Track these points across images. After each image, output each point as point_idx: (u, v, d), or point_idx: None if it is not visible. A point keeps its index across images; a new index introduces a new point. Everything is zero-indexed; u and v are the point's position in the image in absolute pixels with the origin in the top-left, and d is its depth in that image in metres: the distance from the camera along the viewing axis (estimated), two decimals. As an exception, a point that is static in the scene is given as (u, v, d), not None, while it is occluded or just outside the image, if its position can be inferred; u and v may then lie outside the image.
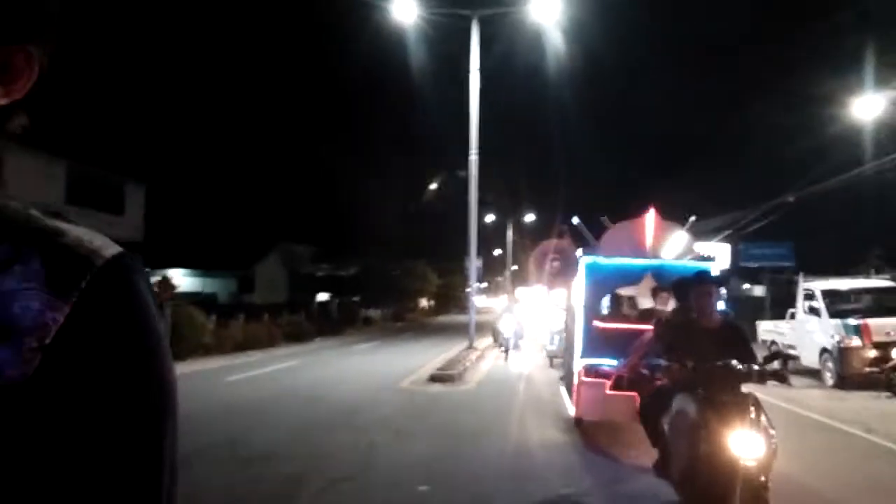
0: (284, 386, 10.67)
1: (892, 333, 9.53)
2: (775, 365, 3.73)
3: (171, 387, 0.55)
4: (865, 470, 5.38)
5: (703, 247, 9.96)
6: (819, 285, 10.96)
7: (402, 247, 46.02)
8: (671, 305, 5.65)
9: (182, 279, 39.39)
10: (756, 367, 3.60)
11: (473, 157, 13.88)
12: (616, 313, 7.12)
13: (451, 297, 52.65)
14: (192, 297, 33.05)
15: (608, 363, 6.46)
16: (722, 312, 4.30)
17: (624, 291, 7.18)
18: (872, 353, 9.56)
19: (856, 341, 9.65)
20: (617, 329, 6.56)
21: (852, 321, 9.88)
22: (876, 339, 9.62)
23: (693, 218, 7.18)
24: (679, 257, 6.73)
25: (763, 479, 3.28)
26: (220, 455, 5.69)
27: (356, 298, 40.69)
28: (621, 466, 5.40)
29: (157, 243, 27.55)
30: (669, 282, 5.38)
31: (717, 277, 4.71)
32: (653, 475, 4.28)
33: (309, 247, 47.21)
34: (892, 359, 9.22)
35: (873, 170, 13.24)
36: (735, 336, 3.90)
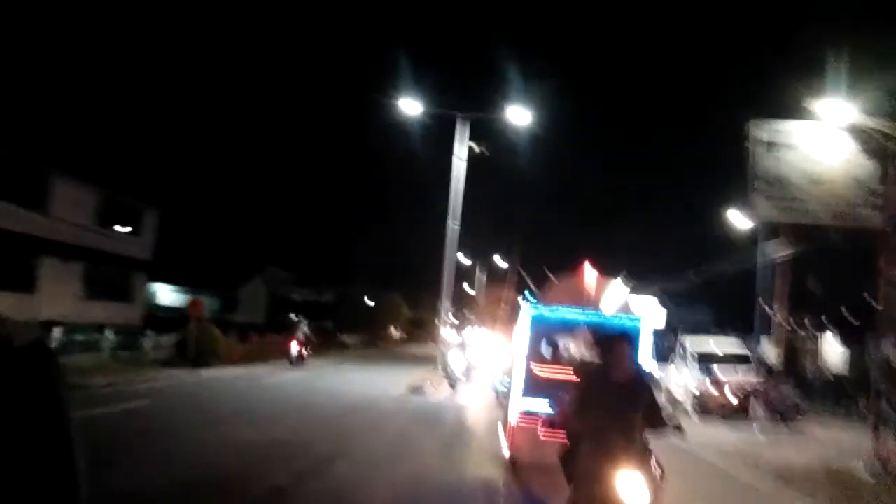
0: (308, 388, 14.84)
1: (736, 384, 14.04)
2: (674, 419, 4.27)
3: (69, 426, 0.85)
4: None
5: (642, 302, 10.46)
6: (691, 343, 15.50)
7: (378, 278, 50.03)
8: None
9: (169, 294, 42.93)
10: (656, 417, 4.14)
11: (454, 226, 18.27)
12: (554, 361, 7.68)
13: (423, 329, 56.76)
14: (177, 311, 36.77)
15: (543, 406, 6.89)
16: (635, 368, 4.66)
17: (562, 341, 7.76)
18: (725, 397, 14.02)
19: (709, 387, 14.14)
20: (553, 377, 7.16)
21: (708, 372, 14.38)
22: (726, 386, 14.11)
23: (624, 273, 7.89)
24: (616, 311, 7.36)
25: None
26: (295, 424, 9.81)
27: (327, 324, 44.37)
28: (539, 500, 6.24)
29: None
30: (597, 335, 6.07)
31: (631, 335, 5.06)
32: None
33: (290, 273, 51.03)
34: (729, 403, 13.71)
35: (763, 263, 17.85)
36: (642, 390, 4.32)
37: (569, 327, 7.44)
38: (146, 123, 36.10)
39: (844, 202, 9.61)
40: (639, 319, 7.31)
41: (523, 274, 10.00)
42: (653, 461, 3.97)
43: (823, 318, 19.84)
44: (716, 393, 14.01)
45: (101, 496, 3.44)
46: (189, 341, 18.38)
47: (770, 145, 9.72)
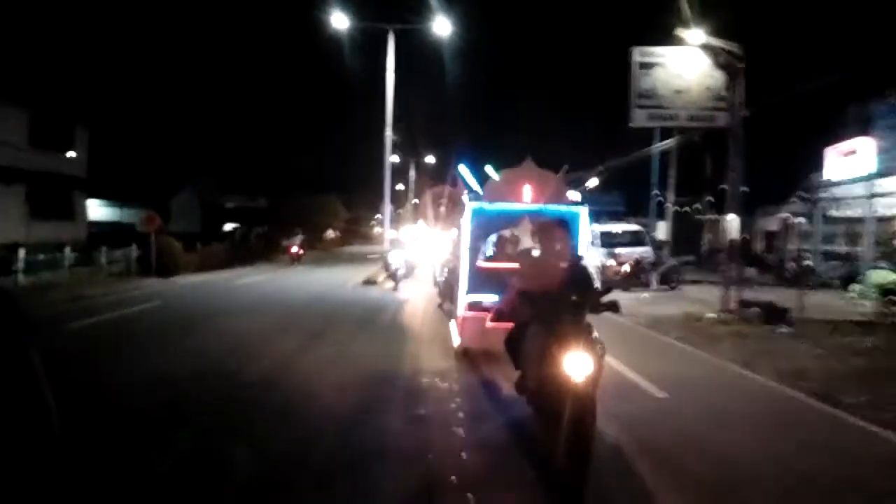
0: (275, 288, 17.29)
1: (628, 257, 17.45)
2: (609, 297, 4.49)
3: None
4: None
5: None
6: (597, 227, 18.78)
7: (313, 181, 51.50)
8: None
9: (99, 209, 43.33)
10: (594, 301, 4.38)
11: (388, 133, 20.34)
12: (498, 253, 8.20)
13: (358, 229, 59.25)
14: (112, 226, 37.71)
15: (489, 298, 7.43)
16: (573, 254, 4.96)
17: (506, 233, 8.27)
18: (620, 269, 17.44)
19: (610, 261, 17.50)
20: (497, 268, 7.50)
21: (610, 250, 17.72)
22: (622, 260, 17.52)
23: (566, 167, 8.30)
24: (553, 202, 7.58)
25: (590, 391, 3.93)
26: (274, 312, 12.35)
27: (261, 229, 46.04)
28: (490, 384, 6.69)
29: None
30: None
31: (569, 223, 5.26)
32: (514, 392, 4.97)
33: (220, 180, 51.62)
34: (624, 272, 17.15)
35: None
36: (580, 274, 4.58)
37: (510, 219, 7.87)
38: (69, 40, 35.14)
39: (699, 107, 12.49)
40: (576, 211, 7.58)
41: (461, 170, 9.34)
42: (594, 340, 4.16)
43: (710, 198, 23.39)
44: (614, 265, 17.39)
45: (176, 371, 6.18)
46: (151, 253, 20.26)
47: (644, 66, 12.36)
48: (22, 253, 19.32)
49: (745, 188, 16.49)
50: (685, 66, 12.44)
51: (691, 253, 22.33)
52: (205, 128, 52.57)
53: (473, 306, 7.77)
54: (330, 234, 51.53)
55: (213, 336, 9.55)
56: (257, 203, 53.53)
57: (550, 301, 4.28)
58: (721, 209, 19.64)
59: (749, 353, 8.81)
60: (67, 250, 22.28)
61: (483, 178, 8.31)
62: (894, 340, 9.91)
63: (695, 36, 12.00)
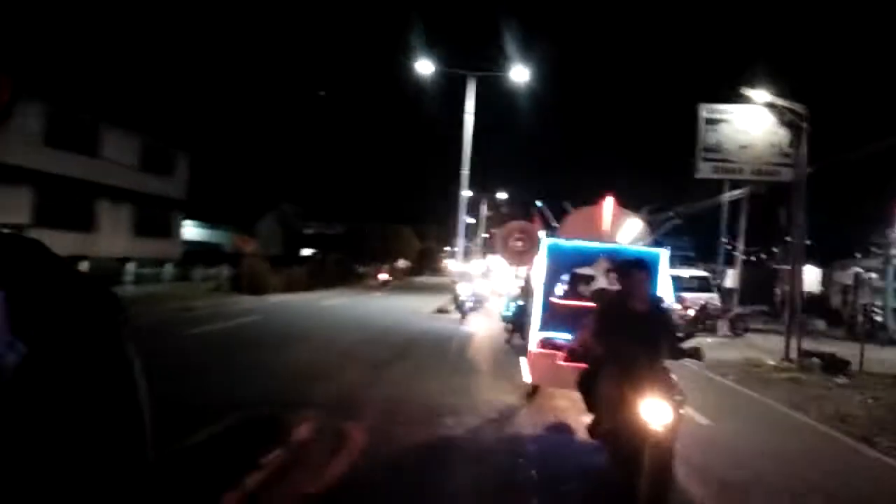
0: (357, 312, 18.82)
1: (693, 302, 17.97)
2: (690, 344, 4.49)
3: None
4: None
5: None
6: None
7: (387, 212, 53.73)
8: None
9: (191, 229, 46.74)
10: (673, 347, 4.37)
11: (465, 172, 21.78)
12: (572, 291, 7.85)
13: (428, 260, 61.00)
14: (202, 245, 40.63)
15: (562, 336, 7.19)
16: (653, 297, 4.86)
17: (581, 271, 7.88)
18: (685, 313, 17.98)
19: (675, 306, 18.07)
20: (571, 306, 7.30)
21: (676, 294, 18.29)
22: (687, 305, 18.06)
23: (647, 208, 8.57)
24: (633, 242, 7.50)
25: (669, 441, 3.90)
26: (358, 334, 13.72)
27: (337, 256, 48.34)
28: (562, 425, 6.58)
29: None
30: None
31: (649, 265, 5.03)
32: (587, 436, 4.89)
33: (300, 207, 54.63)
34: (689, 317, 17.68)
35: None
36: (661, 319, 4.53)
37: (587, 257, 7.63)
38: (172, 74, 38.75)
39: (763, 162, 13.22)
40: (657, 252, 7.38)
41: (540, 207, 9.78)
42: (673, 388, 4.08)
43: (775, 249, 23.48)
44: (680, 309, 17.95)
45: (281, 371, 7.59)
46: (243, 273, 22.25)
47: (711, 121, 13.24)
48: (132, 267, 21.70)
49: (809, 241, 16.81)
50: (750, 122, 13.23)
51: (765, 302, 22.50)
52: (290, 157, 55.73)
53: (545, 343, 7.57)
54: (401, 263, 53.45)
55: (307, 349, 10.96)
56: (334, 230, 56.15)
57: (627, 344, 4.20)
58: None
59: (800, 398, 9.42)
60: (169, 266, 24.67)
61: (560, 215, 8.38)
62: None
63: (760, 95, 12.82)
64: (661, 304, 4.94)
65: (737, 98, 13.20)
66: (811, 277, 25.53)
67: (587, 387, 4.90)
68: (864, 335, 15.56)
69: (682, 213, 25.24)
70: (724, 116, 13.32)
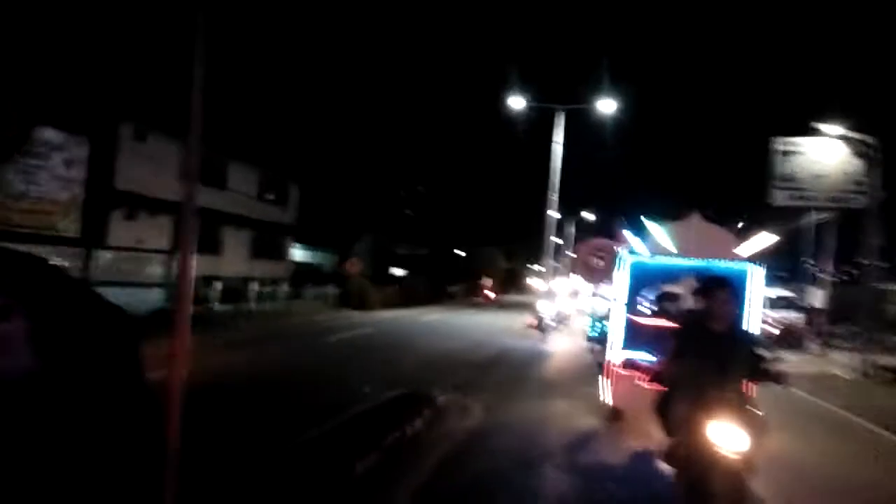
0: (457, 322, 20.94)
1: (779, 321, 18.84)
2: (771, 368, 4.28)
3: None
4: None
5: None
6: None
7: (474, 233, 55.93)
8: None
9: (296, 251, 50.66)
10: (755, 369, 4.23)
11: (554, 197, 23.58)
12: (659, 310, 7.62)
13: (517, 279, 62.74)
14: (306, 266, 44.05)
15: (645, 357, 6.96)
16: (735, 317, 4.74)
17: (668, 289, 7.76)
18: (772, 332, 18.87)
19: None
20: (655, 325, 7.05)
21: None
22: (773, 324, 18.96)
23: (741, 222, 8.76)
24: (722, 258, 7.16)
25: (743, 468, 3.77)
26: (459, 346, 15.76)
27: (424, 276, 50.80)
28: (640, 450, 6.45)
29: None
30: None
31: (733, 283, 4.74)
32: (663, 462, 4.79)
33: (393, 229, 57.80)
34: (774, 335, 18.58)
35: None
36: (741, 342, 4.39)
37: (671, 275, 7.46)
38: (286, 111, 42.73)
39: (838, 190, 14.31)
40: (745, 267, 7.10)
41: (621, 222, 9.79)
42: (753, 411, 4.00)
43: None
44: (766, 328, 18.90)
45: (409, 367, 9.84)
46: (352, 292, 24.87)
47: (784, 153, 14.51)
48: (255, 286, 24.76)
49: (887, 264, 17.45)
50: (824, 153, 14.41)
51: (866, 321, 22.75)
52: (384, 182, 59.12)
53: (627, 364, 7.38)
54: (487, 282, 55.44)
55: (422, 353, 13.19)
56: (421, 251, 58.97)
57: (703, 366, 4.15)
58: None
59: (858, 403, 10.60)
60: (285, 285, 27.72)
61: (644, 232, 8.16)
62: None
63: (833, 129, 14.00)
64: (742, 326, 4.86)
65: (810, 132, 14.41)
66: None
67: (663, 410, 4.78)
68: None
69: (766, 231, 25.89)
70: (798, 149, 14.57)
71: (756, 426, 3.96)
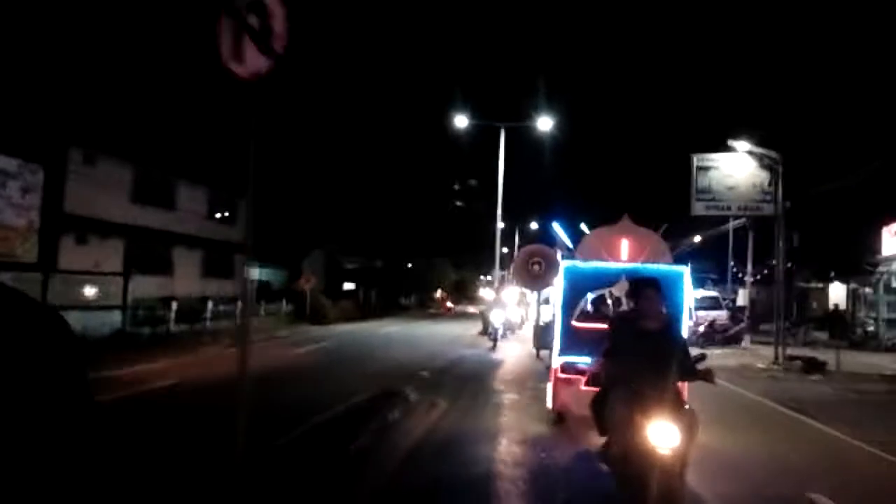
0: (414, 333, 22.03)
1: (704, 319, 20.76)
2: (703, 365, 4.48)
3: None
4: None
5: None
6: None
7: (424, 245, 57.21)
8: None
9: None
10: (686, 368, 4.37)
11: (499, 224, 25.13)
12: (596, 313, 7.66)
13: (466, 290, 64.24)
14: (260, 283, 44.26)
15: (584, 360, 7.08)
16: (666, 316, 4.82)
17: (604, 292, 7.72)
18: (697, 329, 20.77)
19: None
20: (593, 328, 7.06)
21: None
22: (698, 322, 20.87)
23: (665, 225, 8.63)
24: (652, 260, 7.48)
25: (679, 465, 3.88)
26: (415, 356, 16.95)
27: (377, 289, 51.78)
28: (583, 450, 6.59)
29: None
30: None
31: (662, 283, 4.85)
32: (599, 460, 5.01)
33: (341, 244, 58.52)
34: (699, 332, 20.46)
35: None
36: (672, 338, 4.54)
37: (605, 278, 7.50)
38: (230, 130, 43.04)
39: (748, 200, 16.23)
40: (678, 270, 7.42)
41: (557, 230, 10.02)
42: (684, 411, 4.09)
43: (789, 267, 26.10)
44: (692, 325, 20.76)
45: (379, 374, 11.22)
46: (307, 306, 25.72)
47: (700, 168, 16.35)
48: (210, 304, 25.31)
49: (790, 264, 19.64)
50: (735, 167, 16.32)
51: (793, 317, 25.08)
52: (331, 197, 59.79)
53: (567, 368, 7.57)
54: (439, 294, 56.74)
55: (387, 361, 14.33)
56: (374, 264, 59.81)
57: (638, 364, 4.22)
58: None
59: (769, 388, 12.30)
60: (239, 303, 28.28)
61: (578, 237, 8.39)
62: (901, 387, 12.95)
63: (742, 145, 15.92)
64: (674, 324, 4.99)
65: (723, 148, 16.30)
66: (839, 293, 27.95)
67: (599, 409, 4.89)
68: (857, 343, 18.28)
69: (693, 243, 28.19)
70: (713, 164, 16.45)
71: (690, 422, 4.06)
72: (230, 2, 3.59)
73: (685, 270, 7.48)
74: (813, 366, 14.82)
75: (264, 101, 4.05)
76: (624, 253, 7.74)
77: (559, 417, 7.91)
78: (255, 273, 4.57)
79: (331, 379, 11.58)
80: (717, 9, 57.69)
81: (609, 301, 7.71)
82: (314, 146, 70.69)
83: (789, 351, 16.40)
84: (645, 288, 4.61)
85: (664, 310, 4.82)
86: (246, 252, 4.54)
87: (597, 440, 5.37)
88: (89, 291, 19.85)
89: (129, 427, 6.75)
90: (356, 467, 5.90)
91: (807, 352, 16.85)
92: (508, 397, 10.37)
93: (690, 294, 7.84)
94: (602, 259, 7.71)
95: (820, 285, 29.28)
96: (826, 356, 15.39)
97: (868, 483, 6.21)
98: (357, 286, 51.47)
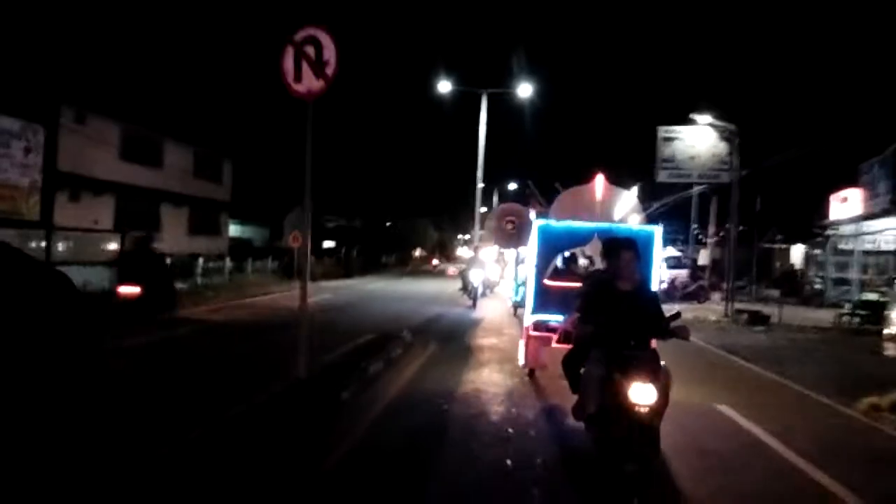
0: (398, 289, 23.79)
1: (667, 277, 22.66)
2: (677, 323, 4.50)
3: None
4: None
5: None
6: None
7: (405, 205, 58.56)
8: None
9: (231, 227, 51.63)
10: (660, 327, 4.45)
11: (479, 185, 26.60)
12: (567, 272, 7.72)
13: (445, 249, 66.10)
14: (237, 241, 45.51)
15: (556, 319, 7.32)
16: (640, 276, 4.92)
17: (576, 251, 7.84)
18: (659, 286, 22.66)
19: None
20: (565, 287, 7.19)
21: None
22: (661, 279, 22.75)
23: (639, 184, 10.14)
24: (625, 219, 7.65)
25: (655, 422, 4.03)
26: (407, 306, 18.62)
27: (357, 247, 53.20)
28: (554, 406, 6.91)
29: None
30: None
31: (637, 244, 4.91)
32: (571, 417, 5.09)
33: (322, 201, 59.62)
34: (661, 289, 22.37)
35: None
36: (648, 299, 4.65)
37: (578, 237, 7.58)
38: (216, 89, 43.56)
39: (708, 168, 17.94)
40: (650, 230, 7.47)
41: (532, 188, 10.01)
42: (660, 367, 4.18)
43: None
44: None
45: (379, 320, 13.10)
46: (294, 263, 27.16)
47: (666, 139, 17.98)
48: (201, 261, 26.60)
49: (742, 227, 21.59)
50: (697, 138, 17.98)
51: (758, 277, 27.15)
52: (312, 155, 60.62)
53: (539, 326, 7.73)
54: (418, 253, 58.44)
55: (381, 311, 16.21)
56: (353, 223, 61.09)
57: (614, 325, 4.28)
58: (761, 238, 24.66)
59: (714, 337, 14.15)
60: (228, 261, 29.60)
61: (553, 196, 8.52)
62: (830, 338, 14.90)
63: (703, 118, 17.55)
64: (648, 284, 5.11)
65: (687, 121, 17.92)
66: (798, 254, 30.09)
67: (573, 368, 4.99)
68: (807, 299, 20.30)
69: (665, 203, 29.97)
70: (677, 135, 18.08)
71: (665, 380, 4.21)
72: (292, 36, 5.01)
73: (657, 230, 7.59)
74: (757, 319, 16.75)
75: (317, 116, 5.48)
76: (597, 211, 7.84)
77: (531, 373, 8.18)
78: (305, 239, 6.00)
79: (338, 325, 13.30)
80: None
81: (581, 260, 7.87)
82: (296, 106, 70.86)
83: (741, 306, 18.34)
84: (621, 249, 4.69)
85: (639, 270, 4.90)
86: (303, 240, 6.04)
87: (567, 396, 5.47)
88: (90, 248, 21.03)
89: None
90: (370, 384, 7.68)
91: (758, 307, 18.79)
92: (487, 353, 12.06)
93: (661, 254, 8.13)
94: (576, 218, 7.79)
95: (783, 246, 31.42)
96: (772, 311, 17.32)
97: (768, 401, 8.01)
98: (337, 244, 52.90)
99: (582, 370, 4.78)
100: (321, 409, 6.24)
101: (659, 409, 4.09)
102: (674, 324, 4.54)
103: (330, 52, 4.93)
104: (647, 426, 4.00)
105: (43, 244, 18.56)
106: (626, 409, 3.99)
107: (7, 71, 18.88)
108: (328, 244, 54.93)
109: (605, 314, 4.40)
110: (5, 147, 18.44)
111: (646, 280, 5.30)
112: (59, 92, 23.30)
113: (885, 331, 14.28)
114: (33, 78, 20.72)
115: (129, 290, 13.04)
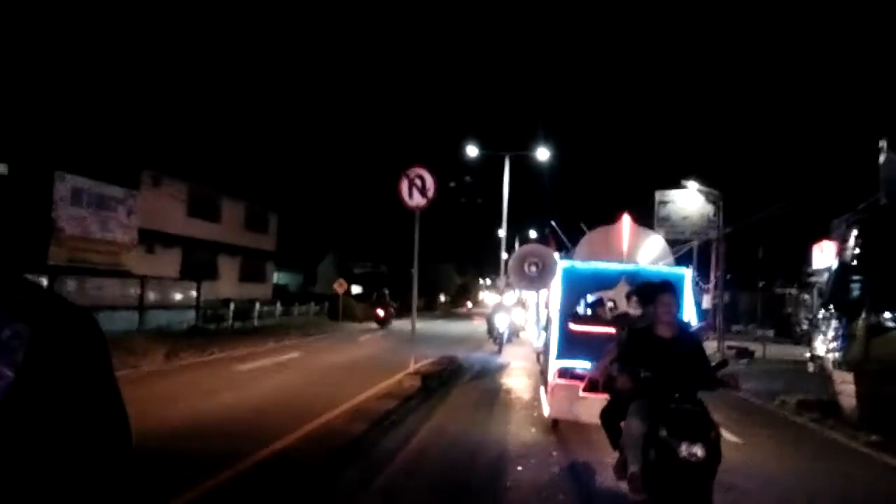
0: (435, 329, 27.41)
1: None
2: (725, 371, 4.28)
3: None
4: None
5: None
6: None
7: (428, 250, 62.65)
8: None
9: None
10: (706, 376, 4.18)
11: (503, 232, 30.54)
12: (593, 316, 7.59)
13: (468, 294, 69.96)
14: (276, 286, 49.42)
15: (582, 365, 7.06)
16: (680, 321, 4.67)
17: (602, 294, 7.70)
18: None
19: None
20: (591, 332, 6.97)
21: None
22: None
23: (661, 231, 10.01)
24: (653, 262, 7.46)
25: (708, 482, 3.81)
26: (448, 341, 22.40)
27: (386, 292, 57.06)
28: (585, 463, 6.39)
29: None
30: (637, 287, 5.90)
31: (675, 287, 4.70)
32: (613, 475, 4.83)
33: (351, 249, 64.00)
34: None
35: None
36: (690, 346, 4.33)
37: (604, 280, 7.35)
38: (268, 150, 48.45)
39: (698, 227, 21.78)
40: (681, 273, 7.21)
41: (556, 231, 10.40)
42: (709, 420, 3.96)
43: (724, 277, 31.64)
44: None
45: (429, 351, 17.32)
46: (339, 307, 31.14)
47: (661, 202, 21.90)
48: (258, 305, 30.66)
49: (729, 275, 25.27)
50: (688, 201, 21.89)
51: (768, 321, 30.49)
52: (340, 205, 65.24)
53: (564, 373, 7.42)
54: (442, 297, 62.25)
55: (428, 344, 19.60)
56: (380, 269, 65.27)
57: (657, 375, 4.07)
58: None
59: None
60: (278, 304, 33.66)
61: (577, 238, 8.38)
62: (795, 368, 18.24)
63: (692, 184, 21.49)
64: (688, 328, 4.86)
65: (679, 185, 21.86)
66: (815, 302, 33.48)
67: (612, 422, 4.77)
68: (798, 339, 23.72)
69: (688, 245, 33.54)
70: (671, 199, 22.01)
71: (715, 435, 3.96)
72: (407, 173, 9.02)
73: (687, 273, 7.44)
74: (743, 353, 20.24)
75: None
76: (624, 253, 7.60)
77: (555, 424, 7.78)
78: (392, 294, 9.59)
79: (392, 354, 17.05)
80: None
81: (607, 304, 7.70)
82: (330, 161, 76.28)
83: (734, 343, 21.82)
84: (659, 293, 4.47)
85: (677, 315, 4.67)
86: (413, 297, 9.97)
87: (601, 450, 5.34)
88: (174, 294, 25.19)
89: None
90: (443, 384, 11.58)
91: (753, 345, 22.23)
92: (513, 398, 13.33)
93: (692, 297, 7.65)
94: (601, 259, 7.60)
95: (793, 292, 34.82)
96: (759, 348, 20.80)
97: (731, 411, 11.51)
98: (364, 289, 56.82)
99: (622, 424, 4.65)
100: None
101: (712, 469, 3.88)
102: (721, 372, 4.37)
103: (430, 183, 8.88)
104: (699, 488, 3.83)
105: (139, 290, 22.65)
106: (675, 468, 3.80)
107: (104, 141, 23.24)
108: (356, 289, 58.90)
109: (646, 364, 4.18)
110: (114, 211, 22.76)
111: (686, 326, 5.00)
112: (141, 158, 27.61)
113: (806, 353, 17.46)
114: (121, 147, 24.98)
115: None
